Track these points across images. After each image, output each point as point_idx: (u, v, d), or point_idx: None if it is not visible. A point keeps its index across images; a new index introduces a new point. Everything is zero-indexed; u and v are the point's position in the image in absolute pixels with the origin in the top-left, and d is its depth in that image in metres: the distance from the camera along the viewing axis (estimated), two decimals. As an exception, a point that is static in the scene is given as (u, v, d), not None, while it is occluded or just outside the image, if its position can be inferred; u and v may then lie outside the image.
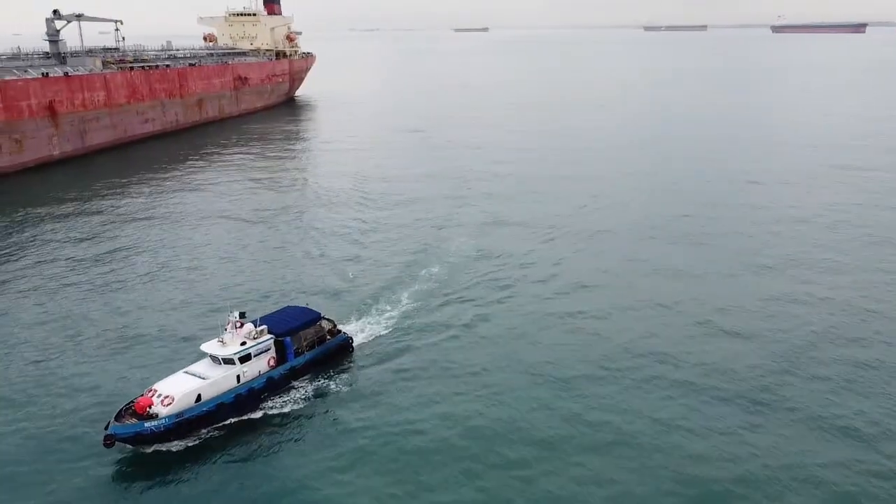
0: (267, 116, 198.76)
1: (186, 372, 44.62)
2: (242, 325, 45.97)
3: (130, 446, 40.68)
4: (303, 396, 46.51)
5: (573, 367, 49.96)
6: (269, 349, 46.95)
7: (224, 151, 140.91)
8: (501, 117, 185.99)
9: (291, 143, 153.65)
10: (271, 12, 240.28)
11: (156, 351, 53.18)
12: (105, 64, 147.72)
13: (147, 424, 40.34)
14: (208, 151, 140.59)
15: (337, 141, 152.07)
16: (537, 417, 43.68)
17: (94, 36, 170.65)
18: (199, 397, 42.51)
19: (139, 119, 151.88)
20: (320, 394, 46.97)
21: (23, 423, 43.55)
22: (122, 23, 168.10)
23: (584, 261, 72.73)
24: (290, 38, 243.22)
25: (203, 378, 43.54)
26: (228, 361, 44.48)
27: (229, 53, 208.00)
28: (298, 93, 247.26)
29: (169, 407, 41.25)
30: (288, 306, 53.75)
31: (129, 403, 42.34)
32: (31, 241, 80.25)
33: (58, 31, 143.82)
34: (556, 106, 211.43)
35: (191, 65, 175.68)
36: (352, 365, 50.60)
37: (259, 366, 46.08)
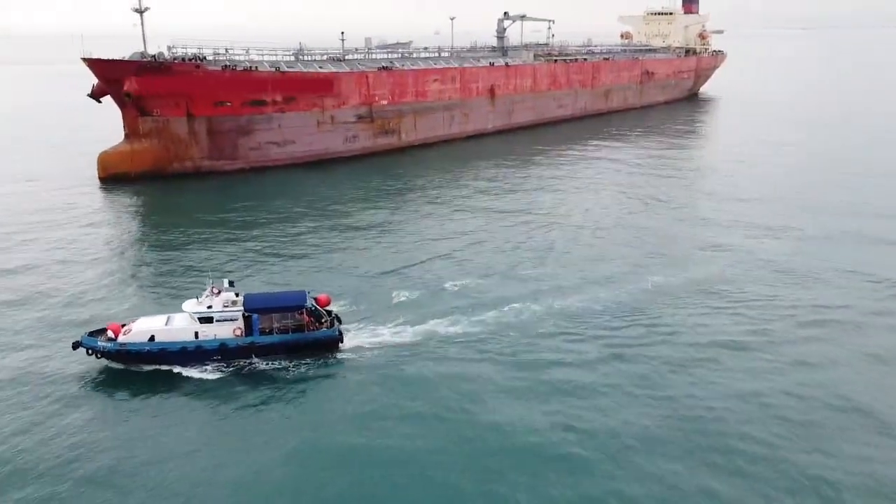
0: (667, 110, 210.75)
1: (169, 316, 51.60)
2: (220, 292, 50.54)
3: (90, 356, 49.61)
4: (244, 373, 49.01)
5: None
6: (235, 319, 50.10)
7: (622, 138, 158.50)
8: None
9: (685, 137, 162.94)
10: (688, 11, 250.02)
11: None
12: (535, 57, 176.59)
13: (99, 343, 48.88)
14: (608, 136, 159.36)
15: (729, 142, 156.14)
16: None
17: (528, 34, 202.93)
18: (152, 338, 49.07)
19: (554, 104, 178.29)
20: (265, 377, 48.71)
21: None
22: (553, 22, 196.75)
23: None
24: (702, 37, 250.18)
25: (166, 325, 50.20)
26: (192, 318, 50.23)
27: (640, 50, 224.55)
28: (703, 89, 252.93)
29: (123, 337, 48.93)
30: (292, 290, 56.42)
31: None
32: (474, 188, 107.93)
33: (504, 29, 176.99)
34: None
35: (605, 59, 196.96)
36: (332, 362, 50.63)
37: (221, 331, 49.77)
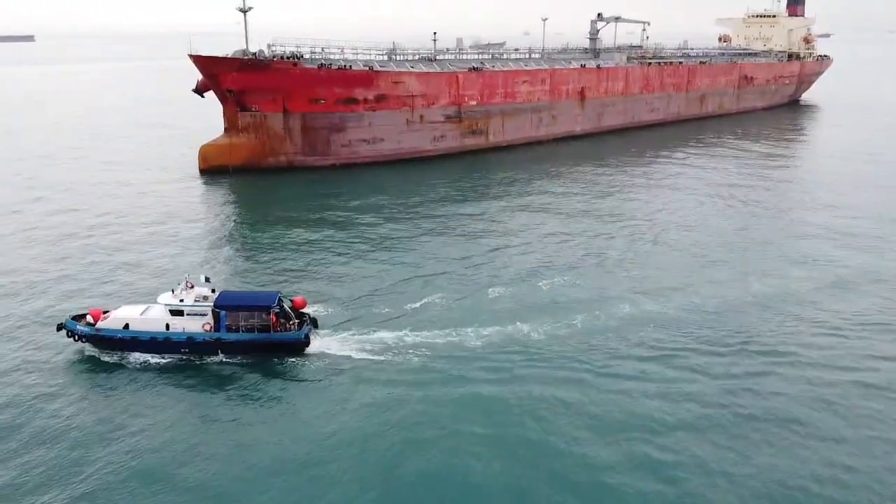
0: (765, 116, 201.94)
1: (148, 306, 53.38)
2: (193, 286, 52.47)
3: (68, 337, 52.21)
4: (210, 368, 50.18)
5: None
6: (205, 314, 51.49)
7: (717, 144, 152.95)
8: None
9: (785, 145, 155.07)
10: (793, 13, 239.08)
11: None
12: (628, 59, 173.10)
13: (77, 326, 51.56)
14: (702, 142, 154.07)
15: (832, 150, 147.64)
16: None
17: (622, 35, 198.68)
18: (127, 326, 51.13)
19: (646, 108, 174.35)
20: (221, 374, 49.46)
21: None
22: (649, 24, 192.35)
23: None
24: (806, 40, 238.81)
25: (141, 315, 52.04)
26: (164, 310, 51.80)
27: (739, 54, 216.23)
28: (805, 96, 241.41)
29: (99, 322, 51.38)
30: (264, 291, 59.04)
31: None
32: (560, 189, 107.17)
33: (598, 30, 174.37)
34: None
35: (701, 62, 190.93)
36: (293, 365, 50.66)
37: (190, 324, 51.32)
